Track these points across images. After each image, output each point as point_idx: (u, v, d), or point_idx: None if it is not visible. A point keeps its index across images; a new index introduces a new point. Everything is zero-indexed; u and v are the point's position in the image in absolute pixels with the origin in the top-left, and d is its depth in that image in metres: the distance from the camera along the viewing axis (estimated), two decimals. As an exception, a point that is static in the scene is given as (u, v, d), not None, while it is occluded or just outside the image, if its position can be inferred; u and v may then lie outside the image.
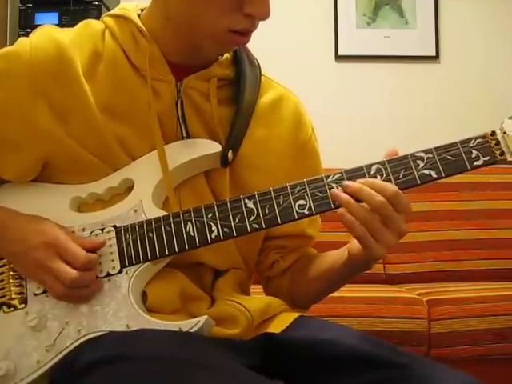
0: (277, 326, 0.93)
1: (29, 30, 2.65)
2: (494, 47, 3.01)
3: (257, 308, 0.92)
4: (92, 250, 0.87)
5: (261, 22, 0.89)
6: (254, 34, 0.90)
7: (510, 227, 2.53)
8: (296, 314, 0.97)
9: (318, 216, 1.05)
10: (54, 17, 2.68)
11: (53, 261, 0.84)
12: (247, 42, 0.91)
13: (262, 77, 1.01)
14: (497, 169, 2.58)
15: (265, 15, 0.86)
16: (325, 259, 1.01)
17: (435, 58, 3.00)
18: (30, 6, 2.73)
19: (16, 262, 0.89)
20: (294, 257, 1.06)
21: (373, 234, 0.83)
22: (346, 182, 0.85)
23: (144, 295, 0.87)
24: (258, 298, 0.98)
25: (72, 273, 0.83)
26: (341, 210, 0.84)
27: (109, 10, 2.70)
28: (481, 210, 2.56)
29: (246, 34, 0.89)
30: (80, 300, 0.85)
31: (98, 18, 0.99)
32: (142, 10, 0.97)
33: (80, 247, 0.85)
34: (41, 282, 0.87)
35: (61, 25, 0.98)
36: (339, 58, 3.00)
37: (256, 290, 1.07)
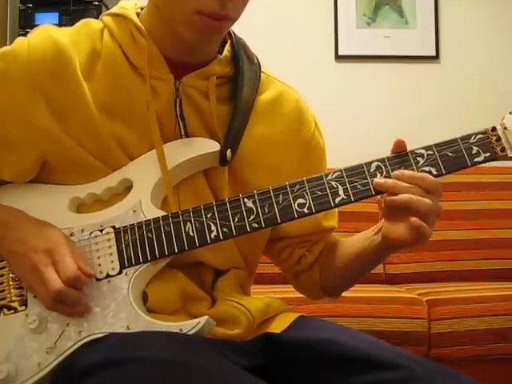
0: (277, 326, 0.93)
1: (29, 30, 2.60)
2: (494, 47, 3.01)
3: (257, 308, 0.92)
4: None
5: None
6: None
7: (510, 227, 2.52)
8: (296, 314, 0.97)
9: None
10: (53, 17, 2.67)
11: (46, 266, 0.83)
12: (221, 27, 0.88)
13: (262, 74, 1.01)
14: (497, 169, 2.58)
15: None
16: (351, 244, 1.01)
17: (435, 58, 2.99)
18: (30, 6, 2.72)
19: (13, 260, 0.88)
20: (320, 247, 1.05)
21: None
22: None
23: (144, 296, 0.87)
24: (258, 298, 0.97)
25: (58, 283, 0.82)
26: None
27: (109, 9, 2.70)
28: (481, 210, 2.55)
29: (218, 18, 0.86)
30: (65, 314, 0.84)
31: (97, 17, 0.98)
32: (142, 9, 0.97)
33: (75, 263, 0.84)
34: (31, 286, 0.86)
35: (61, 25, 0.98)
36: (339, 57, 2.99)
37: (256, 290, 1.07)
